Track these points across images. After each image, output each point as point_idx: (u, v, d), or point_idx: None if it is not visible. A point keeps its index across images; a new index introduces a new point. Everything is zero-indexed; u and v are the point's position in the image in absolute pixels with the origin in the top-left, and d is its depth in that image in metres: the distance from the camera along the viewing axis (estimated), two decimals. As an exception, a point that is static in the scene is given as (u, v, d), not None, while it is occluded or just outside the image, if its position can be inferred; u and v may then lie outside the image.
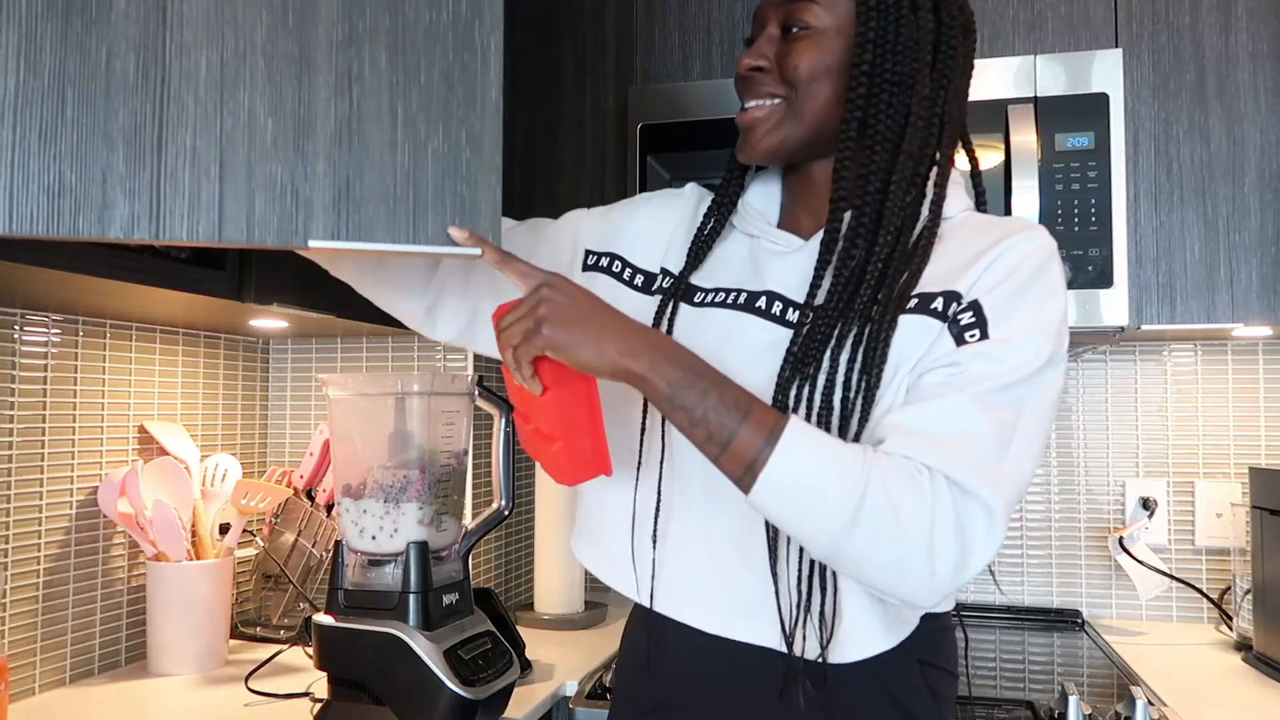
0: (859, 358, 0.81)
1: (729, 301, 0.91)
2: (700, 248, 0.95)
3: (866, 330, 0.82)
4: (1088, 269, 1.47)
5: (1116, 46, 1.55)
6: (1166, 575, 1.72)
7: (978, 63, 1.53)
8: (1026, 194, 1.47)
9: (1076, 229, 1.48)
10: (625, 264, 1.00)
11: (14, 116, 0.70)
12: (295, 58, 0.76)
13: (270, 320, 1.49)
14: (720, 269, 0.95)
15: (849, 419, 0.81)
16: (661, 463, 0.91)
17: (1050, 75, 1.51)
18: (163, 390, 1.58)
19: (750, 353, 0.87)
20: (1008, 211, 1.48)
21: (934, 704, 0.89)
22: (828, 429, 0.81)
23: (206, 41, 0.74)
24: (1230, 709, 1.30)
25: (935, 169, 0.89)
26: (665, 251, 0.99)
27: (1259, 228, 1.50)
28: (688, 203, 1.03)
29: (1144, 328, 1.53)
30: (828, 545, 0.74)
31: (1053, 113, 1.50)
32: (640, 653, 0.96)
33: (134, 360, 1.52)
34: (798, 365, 0.82)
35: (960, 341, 0.79)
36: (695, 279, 0.95)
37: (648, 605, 0.92)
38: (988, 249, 0.83)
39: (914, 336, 0.82)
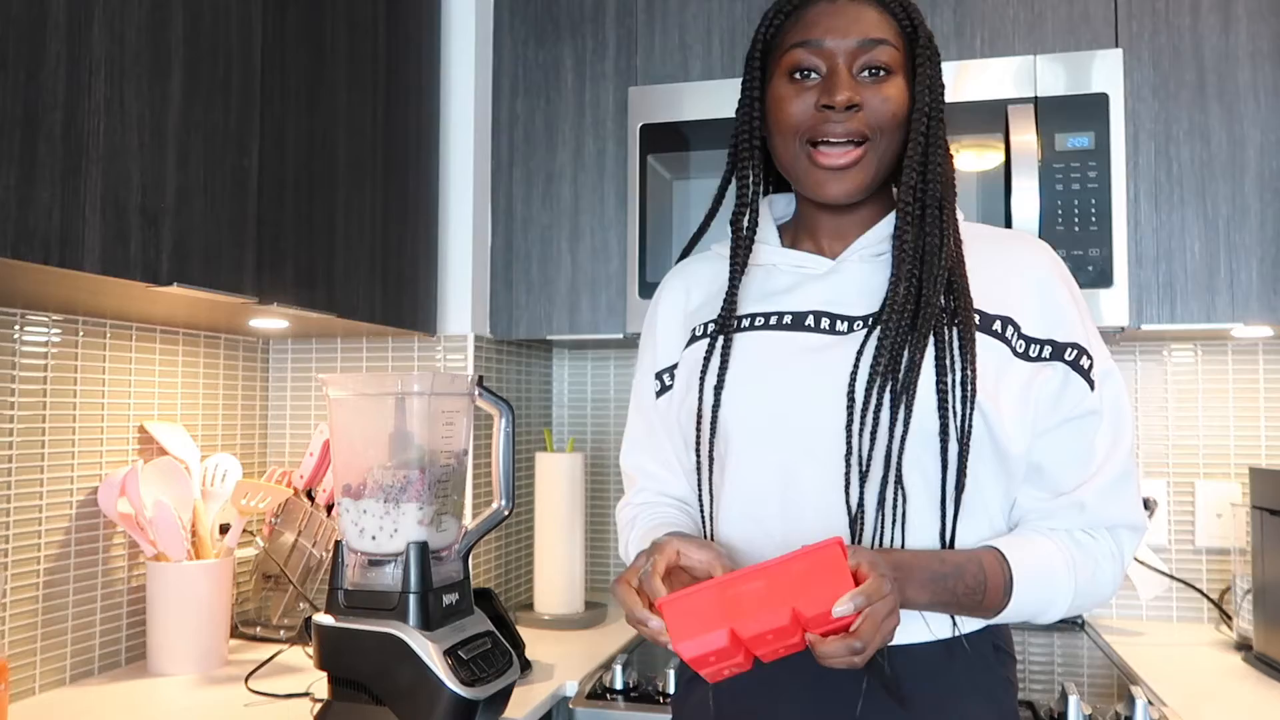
0: (951, 356, 0.87)
1: (772, 323, 0.94)
2: (736, 287, 0.98)
3: (946, 332, 0.87)
4: (1088, 269, 1.47)
5: (1116, 46, 1.55)
6: (1167, 575, 1.72)
7: (977, 62, 1.54)
8: (1026, 194, 1.47)
9: (1076, 229, 1.48)
10: (667, 369, 1.06)
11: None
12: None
13: (270, 320, 1.49)
14: (743, 301, 0.98)
15: (950, 417, 0.86)
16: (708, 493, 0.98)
17: (1050, 75, 1.51)
18: (163, 390, 1.58)
19: (809, 362, 0.91)
20: (1008, 212, 1.48)
21: (1007, 686, 0.94)
22: (901, 424, 0.86)
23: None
24: (1230, 709, 1.30)
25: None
26: (686, 324, 1.03)
27: (1259, 228, 1.50)
28: (676, 286, 1.07)
29: (1144, 328, 1.53)
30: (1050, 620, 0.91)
31: (1053, 113, 1.50)
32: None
33: (134, 360, 1.52)
34: (874, 368, 0.86)
35: (1090, 383, 0.90)
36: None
37: None
38: (1027, 274, 0.92)
39: (998, 359, 0.88)
